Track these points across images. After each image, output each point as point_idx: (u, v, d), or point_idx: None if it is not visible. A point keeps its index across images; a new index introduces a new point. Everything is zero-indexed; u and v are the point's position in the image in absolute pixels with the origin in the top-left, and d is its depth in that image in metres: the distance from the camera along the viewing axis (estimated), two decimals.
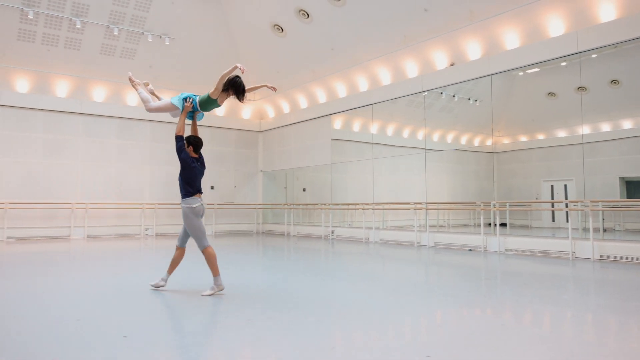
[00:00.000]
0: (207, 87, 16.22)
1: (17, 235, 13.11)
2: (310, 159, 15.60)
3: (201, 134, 16.11)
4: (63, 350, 3.29)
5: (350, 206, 14.19)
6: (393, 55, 12.67)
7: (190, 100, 5.47)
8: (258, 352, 3.30)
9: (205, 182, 16.22)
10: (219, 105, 5.53)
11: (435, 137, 12.53)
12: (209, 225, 16.06)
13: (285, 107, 16.87)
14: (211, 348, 3.39)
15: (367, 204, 13.30)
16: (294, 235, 15.56)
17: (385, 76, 13.28)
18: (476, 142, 12.41)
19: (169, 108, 5.60)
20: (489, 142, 11.78)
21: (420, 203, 11.89)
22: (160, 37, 14.15)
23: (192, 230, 5.38)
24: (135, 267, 8.04)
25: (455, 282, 6.40)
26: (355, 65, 13.72)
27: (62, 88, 14.15)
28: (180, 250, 5.61)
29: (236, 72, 5.20)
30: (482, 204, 10.96)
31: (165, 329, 3.88)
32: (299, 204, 15.95)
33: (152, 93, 5.99)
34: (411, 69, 12.56)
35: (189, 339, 3.56)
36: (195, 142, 5.46)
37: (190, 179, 5.36)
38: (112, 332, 3.74)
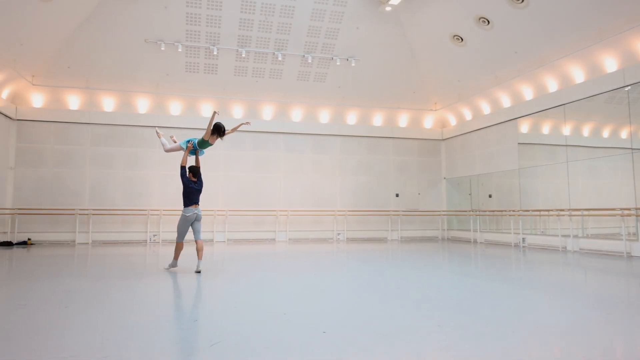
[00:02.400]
0: (391, 101, 16.35)
1: (235, 237, 14.73)
2: (495, 165, 14.57)
3: (385, 145, 16.50)
4: (275, 340, 3.48)
5: (543, 212, 12.82)
6: (586, 51, 11.16)
7: (191, 142, 7.37)
8: (449, 358, 3.11)
9: (390, 190, 16.38)
10: (211, 145, 7.32)
11: None
12: (395, 232, 16.11)
13: (467, 114, 16.09)
14: (401, 350, 3.28)
15: (562, 209, 11.86)
16: (480, 242, 14.63)
17: (577, 74, 11.77)
18: None
19: (178, 148, 7.50)
20: None
21: (628, 209, 10.16)
22: (347, 59, 14.64)
23: (177, 228, 7.36)
24: (330, 267, 8.33)
25: None
26: (542, 66, 12.44)
27: (267, 112, 15.61)
28: (197, 242, 7.31)
29: (216, 118, 7.13)
30: None
31: (358, 328, 3.87)
32: (485, 211, 14.99)
33: (174, 140, 8.02)
34: (609, 63, 10.91)
35: (380, 340, 3.51)
36: (193, 170, 7.32)
37: (188, 195, 7.22)
38: (312, 327, 3.85)
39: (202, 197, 13.66)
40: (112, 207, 14.04)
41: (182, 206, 7.31)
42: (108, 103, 14.46)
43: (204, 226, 14.43)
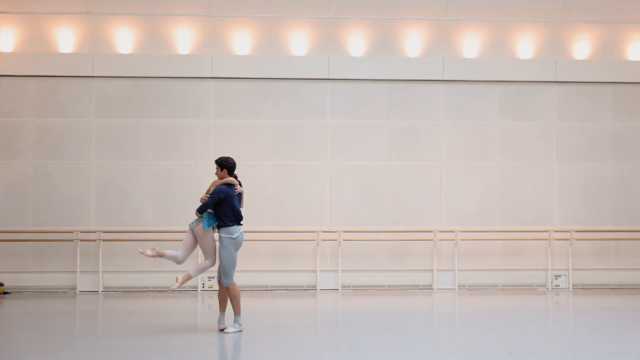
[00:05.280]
0: None
1: (356, 282, 14.12)
2: None
3: None
4: None
5: None
6: None
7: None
8: None
9: None
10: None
11: None
12: None
13: None
14: None
15: None
16: None
17: None
18: None
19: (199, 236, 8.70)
20: None
21: None
22: None
23: (225, 262, 8.47)
24: (541, 345, 8.16)
25: None
26: None
27: (411, 42, 14.62)
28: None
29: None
30: None
31: None
32: None
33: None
34: None
35: None
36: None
37: (231, 208, 8.61)
38: None
39: (292, 210, 14.62)
40: (137, 228, 13.77)
41: (220, 225, 8.59)
42: (124, 40, 14.19)
43: (297, 259, 14.28)
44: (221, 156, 8.82)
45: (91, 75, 13.85)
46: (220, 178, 8.65)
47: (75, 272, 13.43)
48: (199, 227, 8.53)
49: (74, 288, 13.42)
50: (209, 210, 8.53)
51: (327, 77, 14.29)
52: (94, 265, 13.52)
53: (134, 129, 13.99)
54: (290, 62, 14.18)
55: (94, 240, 13.52)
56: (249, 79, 14.04)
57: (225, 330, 8.46)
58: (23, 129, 13.77)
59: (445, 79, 14.49)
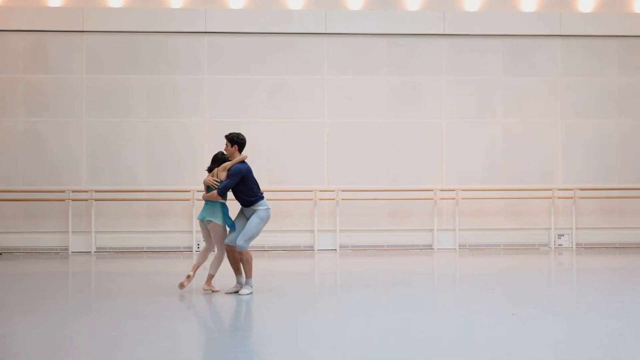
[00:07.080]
0: None
1: (354, 242, 14.19)
2: None
3: None
4: None
5: None
6: None
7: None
8: None
9: None
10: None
11: None
12: None
13: None
14: None
15: None
16: None
17: None
18: None
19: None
20: None
21: None
22: None
23: (256, 229, 8.63)
24: (545, 303, 8.26)
25: None
26: None
27: None
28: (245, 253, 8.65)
29: None
30: None
31: None
32: None
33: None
34: None
35: None
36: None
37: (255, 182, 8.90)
38: None
39: (289, 169, 14.71)
40: (130, 187, 13.75)
41: (251, 199, 8.58)
42: None
43: (294, 219, 14.33)
44: (232, 132, 8.78)
45: (81, 30, 13.68)
46: (230, 154, 8.62)
47: (67, 232, 13.39)
48: (214, 225, 8.48)
49: (66, 249, 13.40)
50: (222, 201, 8.52)
51: (324, 32, 14.15)
52: (86, 225, 13.52)
53: (126, 86, 13.87)
54: (287, 16, 14.00)
55: (86, 200, 13.49)
56: (244, 33, 13.88)
57: (239, 292, 8.47)
58: (12, 85, 13.64)
59: (446, 33, 14.34)
